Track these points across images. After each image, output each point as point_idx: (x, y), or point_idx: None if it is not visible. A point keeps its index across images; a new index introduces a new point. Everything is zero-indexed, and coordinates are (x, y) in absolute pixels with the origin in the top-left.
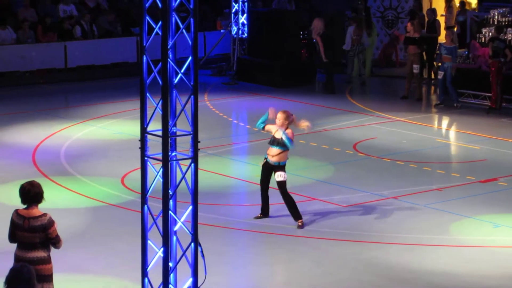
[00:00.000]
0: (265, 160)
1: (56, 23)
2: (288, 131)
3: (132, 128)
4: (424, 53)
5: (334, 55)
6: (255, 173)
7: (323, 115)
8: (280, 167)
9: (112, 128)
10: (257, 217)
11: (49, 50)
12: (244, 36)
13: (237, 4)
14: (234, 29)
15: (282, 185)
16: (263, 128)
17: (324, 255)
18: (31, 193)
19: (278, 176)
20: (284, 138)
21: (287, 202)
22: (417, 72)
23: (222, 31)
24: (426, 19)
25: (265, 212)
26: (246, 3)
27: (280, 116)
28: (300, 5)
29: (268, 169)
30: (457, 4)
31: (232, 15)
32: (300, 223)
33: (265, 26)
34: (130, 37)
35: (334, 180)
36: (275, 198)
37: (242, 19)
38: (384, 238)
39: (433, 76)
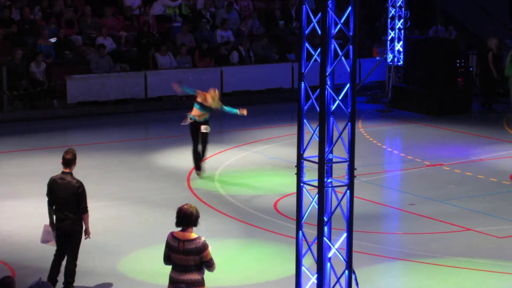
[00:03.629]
0: (192, 120)
1: (213, 48)
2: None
3: (285, 154)
4: None
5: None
6: (408, 201)
7: (479, 145)
8: (206, 121)
9: (266, 153)
10: (198, 174)
11: (206, 75)
12: (399, 63)
13: (393, 32)
14: (390, 57)
15: (206, 135)
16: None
17: (478, 287)
18: (191, 217)
19: (204, 128)
20: (229, 111)
21: (203, 148)
22: None
23: (377, 58)
24: None
25: (199, 167)
26: (402, 31)
27: (214, 95)
28: (458, 33)
29: (197, 127)
30: None
31: (388, 42)
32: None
33: (421, 54)
34: (285, 63)
35: (490, 210)
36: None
37: (398, 46)
38: None
39: None
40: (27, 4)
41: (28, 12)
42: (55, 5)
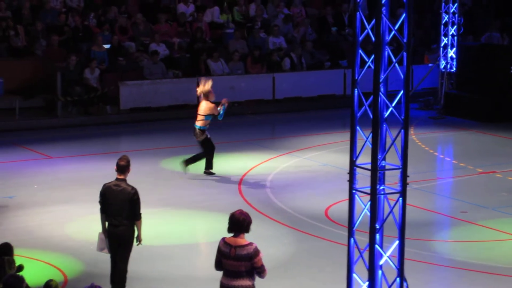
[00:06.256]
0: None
1: (265, 55)
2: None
3: (337, 160)
4: None
5: None
6: (460, 208)
7: None
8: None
9: (317, 159)
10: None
11: (258, 82)
12: (452, 70)
13: (446, 38)
14: (443, 63)
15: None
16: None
17: None
18: (244, 223)
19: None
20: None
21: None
22: None
23: (430, 65)
24: None
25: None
26: (455, 37)
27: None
28: None
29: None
30: None
31: (441, 49)
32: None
33: (474, 61)
34: (338, 69)
35: None
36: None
37: (451, 53)
38: None
39: None
40: (82, 11)
41: (83, 19)
42: (109, 12)
